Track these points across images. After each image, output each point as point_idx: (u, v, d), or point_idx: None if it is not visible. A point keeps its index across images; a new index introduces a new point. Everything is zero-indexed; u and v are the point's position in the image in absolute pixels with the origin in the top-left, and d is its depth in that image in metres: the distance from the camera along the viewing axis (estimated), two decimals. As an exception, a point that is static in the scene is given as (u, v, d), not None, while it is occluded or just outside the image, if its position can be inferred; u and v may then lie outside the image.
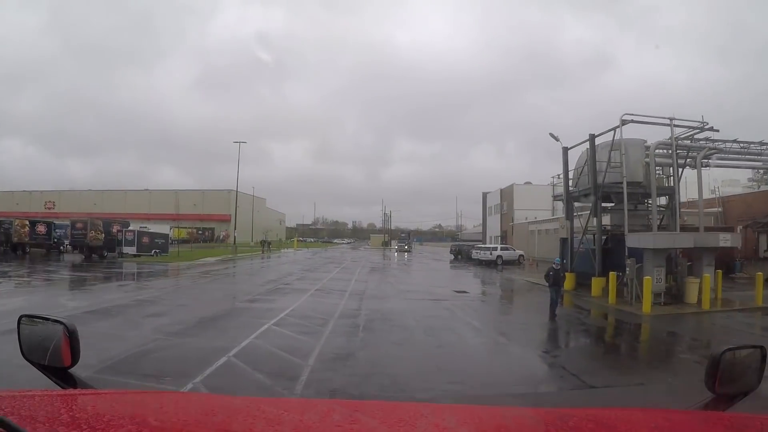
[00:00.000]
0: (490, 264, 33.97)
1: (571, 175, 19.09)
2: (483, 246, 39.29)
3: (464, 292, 17.64)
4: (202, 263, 29.74)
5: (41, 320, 1.46)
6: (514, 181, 50.97)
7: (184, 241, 57.34)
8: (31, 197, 77.43)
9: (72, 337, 1.37)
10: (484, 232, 68.97)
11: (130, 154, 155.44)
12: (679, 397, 5.60)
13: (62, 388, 1.35)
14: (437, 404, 1.97)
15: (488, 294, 18.62)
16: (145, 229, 38.65)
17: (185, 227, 73.78)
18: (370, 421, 1.17)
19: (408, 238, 70.38)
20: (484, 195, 70.43)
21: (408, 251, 60.97)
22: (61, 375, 1.38)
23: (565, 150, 19.14)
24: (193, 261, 30.76)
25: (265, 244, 48.90)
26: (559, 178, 20.32)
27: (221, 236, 75.42)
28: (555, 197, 20.52)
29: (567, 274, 18.69)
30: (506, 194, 53.00)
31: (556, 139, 19.24)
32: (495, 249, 35.37)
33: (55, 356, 1.36)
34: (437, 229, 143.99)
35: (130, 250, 32.31)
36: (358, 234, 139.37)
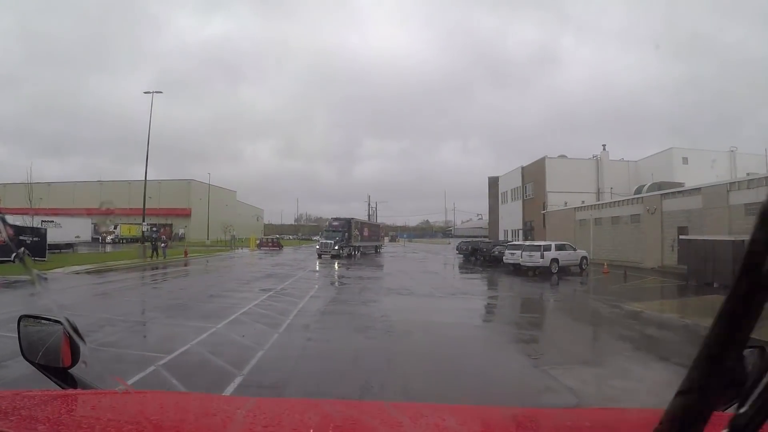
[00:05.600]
0: (537, 272, 20.39)
1: None
2: (523, 244, 24.27)
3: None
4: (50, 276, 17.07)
5: (41, 320, 1.41)
6: (546, 154, 37.09)
7: (138, 240, 44.76)
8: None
9: (72, 336, 1.33)
10: (492, 226, 55.43)
11: (103, 155, 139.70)
12: None
13: (62, 388, 1.29)
14: (437, 404, 1.58)
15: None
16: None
17: (150, 223, 61.74)
18: (370, 420, 1.14)
19: (347, 229, 34.56)
20: (492, 180, 56.81)
21: (342, 255, 32.38)
22: (61, 375, 1.31)
23: None
24: (46, 271, 17.96)
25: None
26: None
27: (180, 234, 64.06)
28: None
29: None
30: (532, 173, 39.15)
31: None
32: (548, 248, 21.20)
33: (55, 356, 1.31)
34: (425, 225, 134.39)
35: None
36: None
